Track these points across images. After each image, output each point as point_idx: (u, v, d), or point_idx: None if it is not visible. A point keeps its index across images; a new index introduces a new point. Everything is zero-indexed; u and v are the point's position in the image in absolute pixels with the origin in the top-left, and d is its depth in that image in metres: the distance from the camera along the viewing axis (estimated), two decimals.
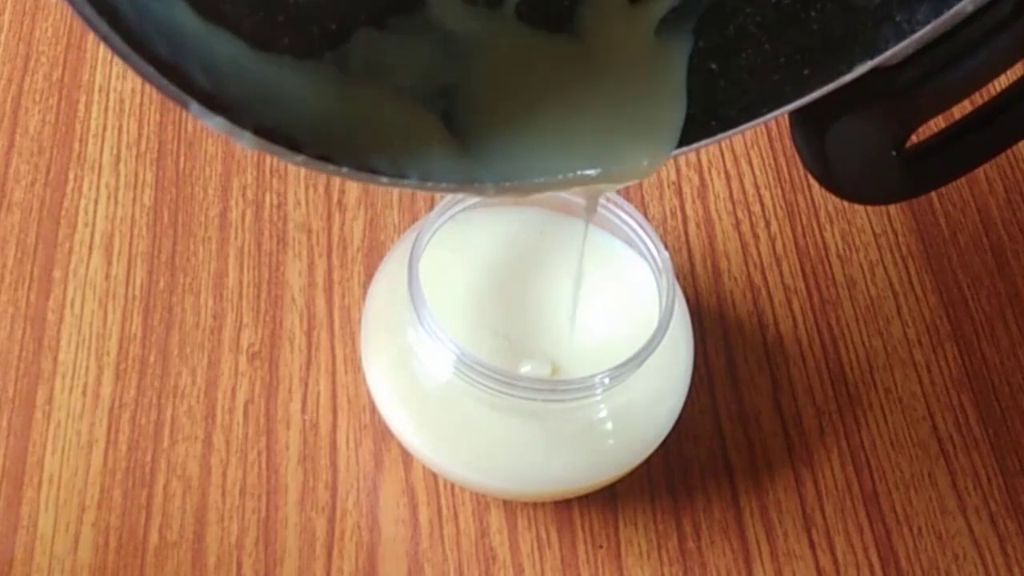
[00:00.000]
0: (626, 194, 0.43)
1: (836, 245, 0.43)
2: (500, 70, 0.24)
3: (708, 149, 0.45)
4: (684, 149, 0.23)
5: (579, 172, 0.23)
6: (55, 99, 0.44)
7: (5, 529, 0.36)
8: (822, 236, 0.43)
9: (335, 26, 0.22)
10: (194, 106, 0.19)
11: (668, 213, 0.43)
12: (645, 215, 0.34)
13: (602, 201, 0.35)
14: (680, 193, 0.44)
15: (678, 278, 0.41)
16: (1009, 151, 0.46)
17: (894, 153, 0.25)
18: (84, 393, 0.38)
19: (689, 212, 0.43)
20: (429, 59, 0.23)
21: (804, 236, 0.43)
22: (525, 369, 0.34)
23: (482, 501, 0.37)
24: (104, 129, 0.44)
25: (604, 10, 0.24)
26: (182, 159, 0.43)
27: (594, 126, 0.24)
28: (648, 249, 0.34)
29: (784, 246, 0.43)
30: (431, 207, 0.41)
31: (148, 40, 0.18)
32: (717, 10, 0.24)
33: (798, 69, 0.22)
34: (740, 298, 0.42)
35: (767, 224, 0.43)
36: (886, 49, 0.21)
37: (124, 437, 0.37)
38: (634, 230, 0.34)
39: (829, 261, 0.43)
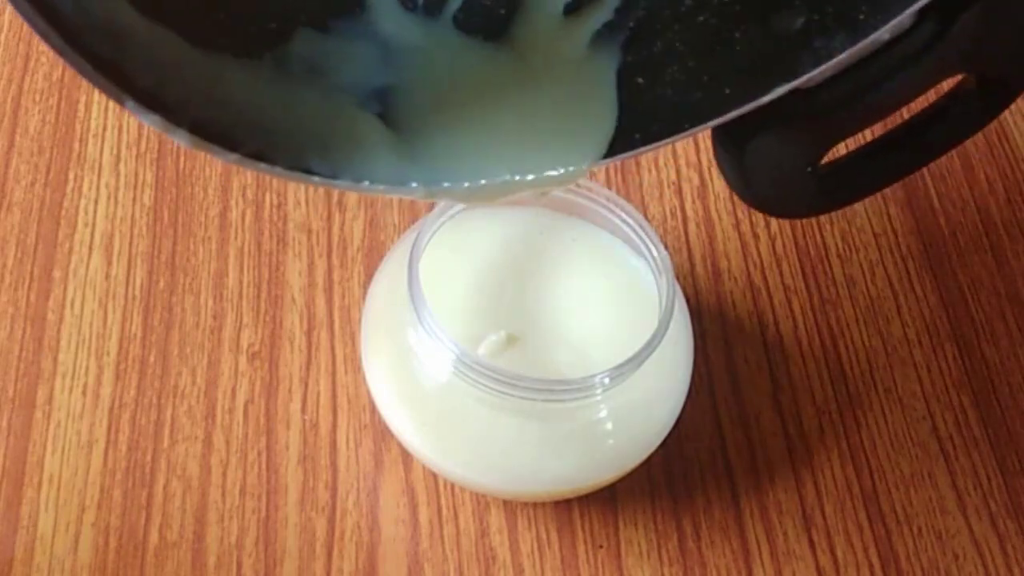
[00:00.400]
0: (626, 194, 0.44)
1: (836, 245, 0.43)
2: (436, 75, 0.24)
3: (708, 149, 0.45)
4: (608, 160, 0.24)
5: (508, 177, 0.24)
6: (55, 99, 0.44)
7: (5, 529, 0.36)
8: (822, 236, 0.43)
9: (276, 26, 0.23)
10: (130, 103, 0.19)
11: (668, 213, 0.43)
12: (645, 215, 0.34)
13: (602, 201, 0.35)
14: (680, 193, 0.44)
15: (678, 278, 0.41)
16: (1008, 151, 0.46)
17: (809, 170, 0.26)
18: (84, 393, 0.38)
19: (689, 212, 0.43)
20: (369, 61, 0.24)
21: (804, 236, 0.43)
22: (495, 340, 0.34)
23: (482, 501, 0.37)
24: (104, 129, 0.44)
25: (538, 22, 0.25)
26: (182, 159, 0.43)
27: (525, 132, 0.24)
28: (648, 249, 0.34)
29: (784, 246, 0.43)
30: (431, 207, 0.41)
31: (88, 38, 0.18)
32: (647, 27, 0.24)
33: (720, 88, 0.23)
34: (740, 298, 0.42)
35: (767, 224, 0.43)
36: (804, 73, 0.22)
37: (124, 437, 0.37)
38: (634, 230, 0.34)
39: (829, 261, 0.43)
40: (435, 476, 0.37)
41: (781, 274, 0.42)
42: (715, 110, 0.22)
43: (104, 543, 0.36)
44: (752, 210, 0.44)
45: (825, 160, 0.26)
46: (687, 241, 0.43)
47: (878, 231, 0.44)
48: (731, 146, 0.25)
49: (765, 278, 0.42)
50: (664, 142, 0.23)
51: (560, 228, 0.36)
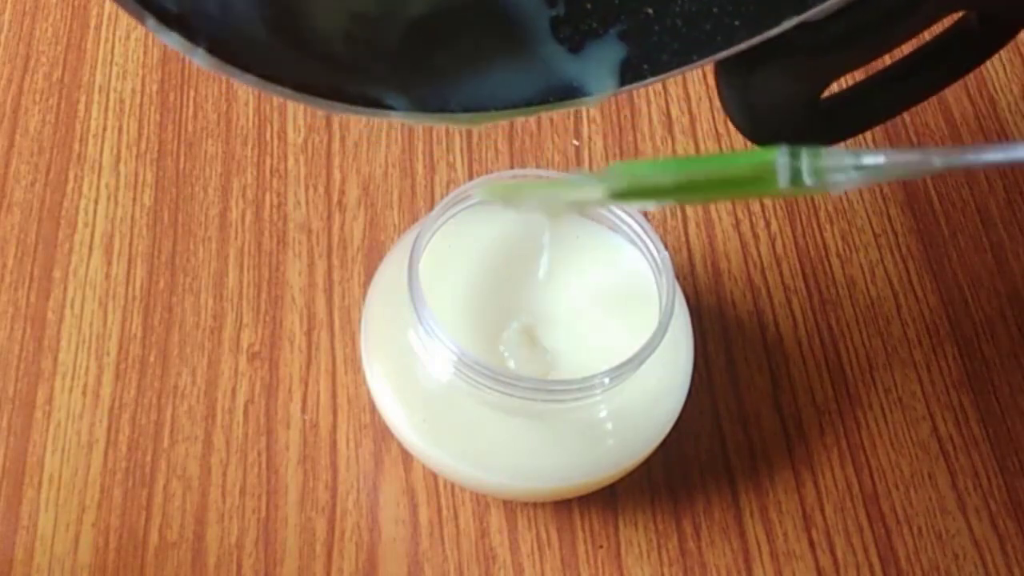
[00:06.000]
0: None
1: (836, 245, 0.43)
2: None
3: (708, 149, 0.45)
4: (617, 90, 0.24)
5: (515, 109, 0.24)
6: (55, 99, 0.44)
7: (5, 529, 0.36)
8: (822, 236, 0.43)
9: None
10: (151, 22, 0.19)
11: (668, 213, 0.43)
12: (645, 215, 0.34)
13: None
14: None
15: (678, 278, 0.41)
16: None
17: (810, 103, 0.26)
18: (84, 393, 0.38)
19: (689, 212, 0.43)
20: None
21: (804, 236, 0.43)
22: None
23: (482, 501, 0.37)
24: (104, 129, 0.44)
25: None
26: (182, 159, 0.43)
27: (534, 63, 0.24)
28: (648, 249, 0.34)
29: (784, 246, 0.43)
30: (431, 207, 0.41)
31: None
32: None
33: (729, 20, 0.23)
34: (740, 298, 0.42)
35: (767, 224, 0.43)
36: (813, 6, 0.22)
37: (124, 437, 0.37)
38: (634, 230, 0.34)
39: (829, 261, 0.43)
40: (435, 476, 0.37)
41: (781, 274, 0.42)
42: (724, 42, 0.23)
43: (104, 543, 0.36)
44: (751, 211, 0.44)
45: (825, 94, 0.26)
46: (687, 241, 0.43)
47: (878, 231, 0.44)
48: (735, 78, 0.25)
49: (765, 278, 0.42)
50: (672, 73, 0.24)
51: (560, 227, 0.36)
